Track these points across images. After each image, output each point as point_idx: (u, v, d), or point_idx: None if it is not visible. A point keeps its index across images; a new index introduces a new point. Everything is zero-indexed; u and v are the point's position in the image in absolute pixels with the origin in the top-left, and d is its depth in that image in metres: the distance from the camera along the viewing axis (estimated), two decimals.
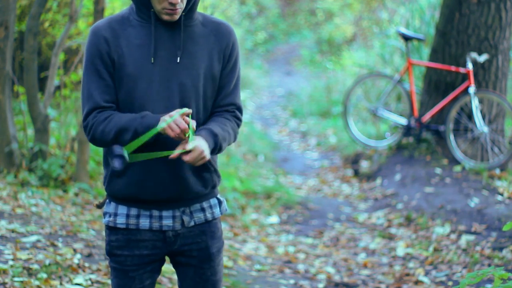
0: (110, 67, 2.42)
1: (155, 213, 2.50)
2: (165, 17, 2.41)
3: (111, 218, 2.52)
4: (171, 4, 2.37)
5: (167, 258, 2.65)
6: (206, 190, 2.54)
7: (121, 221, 2.50)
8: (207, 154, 2.38)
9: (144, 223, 2.50)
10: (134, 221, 2.50)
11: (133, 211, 2.50)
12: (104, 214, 2.56)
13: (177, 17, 2.41)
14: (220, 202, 2.62)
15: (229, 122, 2.53)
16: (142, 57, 2.41)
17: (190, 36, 2.46)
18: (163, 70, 2.42)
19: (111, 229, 2.53)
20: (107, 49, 2.41)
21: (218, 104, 2.54)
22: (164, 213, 2.50)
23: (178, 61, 2.43)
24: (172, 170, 2.44)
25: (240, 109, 2.59)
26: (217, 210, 2.60)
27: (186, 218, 2.52)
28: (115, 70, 2.43)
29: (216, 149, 2.46)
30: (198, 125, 2.48)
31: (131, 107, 2.43)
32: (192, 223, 2.53)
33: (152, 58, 2.41)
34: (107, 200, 2.55)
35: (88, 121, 2.43)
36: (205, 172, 2.52)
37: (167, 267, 4.36)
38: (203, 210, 2.56)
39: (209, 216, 2.57)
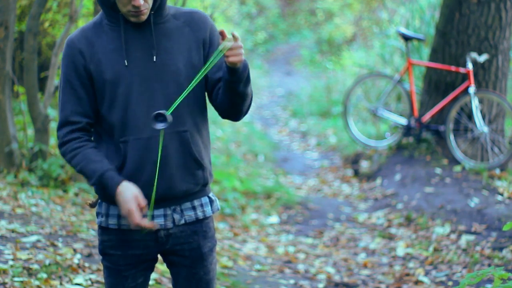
0: (85, 79, 2.45)
1: (147, 213, 2.50)
2: (132, 19, 2.41)
3: (103, 219, 2.53)
4: (135, 6, 2.37)
5: (160, 258, 2.66)
6: (197, 187, 2.54)
7: (113, 221, 2.51)
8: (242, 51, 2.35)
9: None
10: (126, 221, 2.50)
11: None
12: (97, 214, 2.57)
13: (144, 17, 2.41)
14: (211, 201, 2.61)
15: None
16: (117, 61, 2.42)
17: (162, 33, 2.46)
18: (141, 71, 2.43)
19: (103, 229, 2.55)
20: (83, 62, 2.43)
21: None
22: (155, 212, 2.50)
23: (154, 60, 2.44)
24: (159, 168, 2.43)
25: None
26: (208, 209, 2.59)
27: (176, 216, 2.52)
28: (95, 79, 2.44)
29: (246, 73, 2.40)
30: (192, 117, 2.48)
31: (114, 111, 2.43)
32: (182, 221, 2.53)
33: (126, 61, 2.42)
34: (99, 201, 2.56)
35: (59, 136, 2.49)
36: (196, 169, 2.52)
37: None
38: (194, 208, 2.56)
39: (200, 214, 2.56)
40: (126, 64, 2.41)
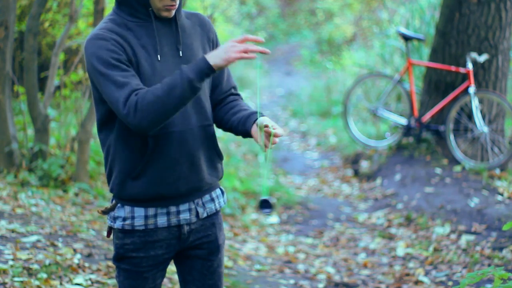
0: (128, 63, 2.40)
1: (173, 209, 2.53)
2: (165, 14, 2.46)
3: (128, 222, 2.52)
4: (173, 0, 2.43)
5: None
6: (217, 179, 2.63)
7: (139, 223, 2.52)
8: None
9: (162, 221, 2.53)
10: (152, 221, 2.52)
11: (151, 211, 2.52)
12: (115, 218, 2.55)
13: (173, 12, 2.48)
14: (222, 192, 2.70)
15: (244, 102, 2.67)
16: (149, 56, 2.45)
17: (183, 30, 2.54)
18: (170, 65, 2.47)
19: (125, 232, 2.54)
20: (122, 49, 2.40)
21: (223, 91, 2.64)
22: (181, 207, 2.55)
23: (180, 55, 2.50)
24: (190, 161, 2.50)
25: (237, 88, 2.71)
26: (221, 200, 2.68)
27: (200, 210, 2.58)
28: (133, 68, 2.42)
29: None
30: (210, 112, 2.58)
31: None
32: (205, 214, 2.60)
33: (159, 56, 2.45)
34: (118, 205, 2.55)
35: (130, 102, 2.32)
36: (217, 163, 2.61)
37: (168, 267, 4.36)
38: (212, 200, 2.63)
39: (217, 206, 2.65)
40: (159, 59, 2.45)
